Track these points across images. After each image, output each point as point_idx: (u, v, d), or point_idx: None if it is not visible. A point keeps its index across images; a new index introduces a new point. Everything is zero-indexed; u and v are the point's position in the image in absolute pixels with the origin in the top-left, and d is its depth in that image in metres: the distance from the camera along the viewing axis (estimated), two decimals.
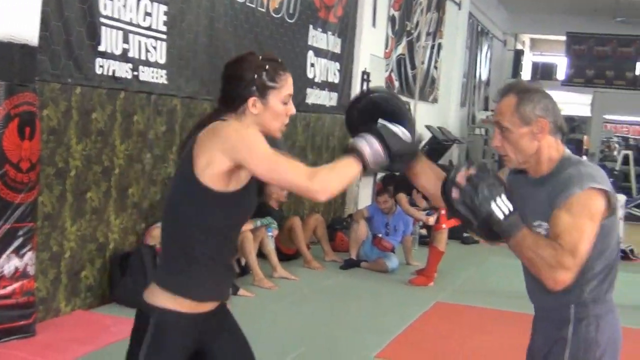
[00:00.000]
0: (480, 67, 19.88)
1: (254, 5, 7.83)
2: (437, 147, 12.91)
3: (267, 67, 2.45)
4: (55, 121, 5.39)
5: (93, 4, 5.53)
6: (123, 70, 5.94)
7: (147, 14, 6.16)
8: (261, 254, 7.59)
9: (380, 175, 11.22)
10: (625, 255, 10.65)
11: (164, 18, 6.39)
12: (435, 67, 15.02)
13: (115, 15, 5.78)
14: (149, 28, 6.20)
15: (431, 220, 8.33)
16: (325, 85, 9.77)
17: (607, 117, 25.52)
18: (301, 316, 6.35)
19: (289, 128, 8.84)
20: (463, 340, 6.14)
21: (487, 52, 20.58)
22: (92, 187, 5.86)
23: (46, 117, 5.28)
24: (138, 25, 6.06)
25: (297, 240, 8.29)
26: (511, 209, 2.37)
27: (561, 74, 24.26)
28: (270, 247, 7.62)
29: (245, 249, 7.20)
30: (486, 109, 20.89)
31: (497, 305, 7.37)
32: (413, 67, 13.40)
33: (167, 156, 6.78)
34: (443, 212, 7.87)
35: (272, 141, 2.42)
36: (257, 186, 2.53)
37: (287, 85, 2.49)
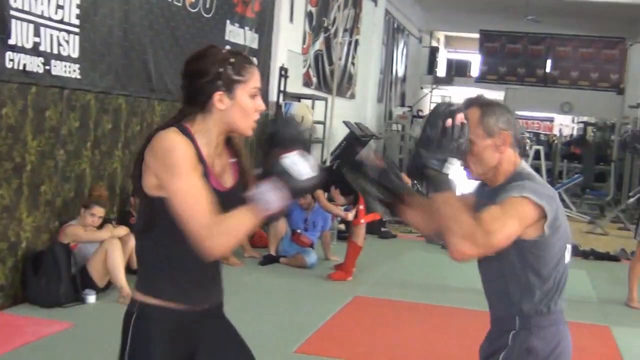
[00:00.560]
0: (396, 64, 20.11)
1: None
2: (355, 142, 12.99)
3: (232, 60, 2.35)
4: None
5: None
6: (34, 65, 5.77)
7: (59, 6, 6.00)
8: None
9: None
10: None
11: (77, 11, 6.24)
12: (353, 64, 15.12)
13: (26, 8, 5.61)
14: (61, 21, 6.05)
15: (350, 215, 8.39)
16: None
17: (519, 113, 26.18)
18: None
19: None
20: (382, 333, 6.20)
21: (403, 49, 20.83)
22: (3, 184, 5.69)
23: None
24: (50, 19, 5.90)
25: None
26: (450, 173, 2.37)
27: (475, 71, 24.74)
28: None
29: None
30: (402, 105, 21.15)
31: (415, 298, 7.48)
32: (330, 63, 13.46)
33: (81, 152, 6.64)
34: (361, 207, 7.93)
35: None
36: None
37: (254, 78, 2.37)
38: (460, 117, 2.37)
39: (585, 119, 25.41)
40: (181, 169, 2.21)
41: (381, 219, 10.78)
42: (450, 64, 26.92)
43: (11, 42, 5.51)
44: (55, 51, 6.01)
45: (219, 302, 2.56)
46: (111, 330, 5.64)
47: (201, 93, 2.33)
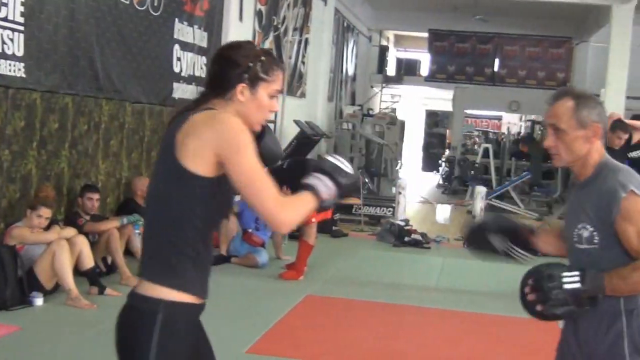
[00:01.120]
0: (346, 63, 20.14)
1: None
2: (306, 141, 12.98)
3: (263, 58, 2.45)
4: None
5: None
6: None
7: (3, 4, 5.89)
8: (129, 252, 7.42)
9: None
10: None
11: (21, 9, 6.12)
12: (303, 62, 15.10)
13: None
14: (5, 19, 5.93)
15: None
16: (192, 80, 9.63)
17: (468, 111, 26.44)
18: None
19: (155, 123, 8.65)
20: (333, 331, 6.20)
21: (353, 48, 20.87)
22: None
23: None
24: None
25: None
26: (578, 273, 2.60)
27: (424, 69, 24.91)
28: (138, 245, 7.45)
29: (111, 247, 7.03)
30: (353, 103, 21.20)
31: (367, 296, 7.49)
32: (280, 61, 13.42)
33: (27, 152, 6.52)
34: None
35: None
36: None
37: (278, 81, 2.48)
38: (528, 288, 2.67)
39: (533, 117, 25.75)
40: (248, 148, 2.30)
41: (332, 218, 10.80)
42: (399, 63, 27.04)
43: None
44: None
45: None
46: (59, 333, 5.57)
47: (227, 81, 2.43)
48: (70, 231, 6.59)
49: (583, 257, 2.68)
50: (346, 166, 2.47)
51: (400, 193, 12.21)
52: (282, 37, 13.40)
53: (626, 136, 7.81)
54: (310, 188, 2.39)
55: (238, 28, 10.99)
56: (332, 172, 2.43)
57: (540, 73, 22.52)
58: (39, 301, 6.18)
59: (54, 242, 6.29)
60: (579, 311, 2.60)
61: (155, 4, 8.45)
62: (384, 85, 24.66)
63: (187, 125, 2.34)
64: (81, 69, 7.15)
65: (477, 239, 2.98)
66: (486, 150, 20.10)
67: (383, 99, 25.78)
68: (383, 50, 25.23)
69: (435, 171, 26.31)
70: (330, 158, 2.47)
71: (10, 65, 6.05)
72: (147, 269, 2.42)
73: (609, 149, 8.87)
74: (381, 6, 22.14)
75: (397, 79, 24.95)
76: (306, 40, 15.15)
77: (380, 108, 25.03)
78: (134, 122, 8.26)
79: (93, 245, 6.91)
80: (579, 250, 2.69)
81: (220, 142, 2.30)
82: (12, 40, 6.03)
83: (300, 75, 15.03)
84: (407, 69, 25.41)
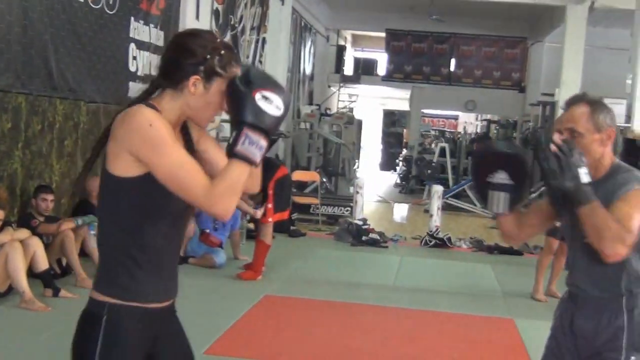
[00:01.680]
0: (304, 62, 20.13)
1: None
2: None
3: (222, 52, 2.29)
4: None
5: None
6: None
7: None
8: (84, 254, 7.34)
9: None
10: (443, 243, 11.13)
11: None
12: (260, 62, 15.06)
13: None
14: None
15: (259, 213, 8.35)
16: (148, 79, 9.47)
17: (425, 111, 26.62)
18: None
19: (107, 123, 8.53)
20: (292, 332, 6.20)
21: (310, 48, 20.87)
22: None
23: None
24: None
25: None
26: (589, 180, 2.64)
27: (382, 69, 25.00)
28: (93, 246, 7.36)
29: (66, 249, 6.94)
30: (311, 103, 21.20)
31: (324, 296, 7.50)
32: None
33: None
34: (270, 205, 7.91)
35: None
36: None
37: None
38: (557, 137, 2.68)
39: (488, 116, 26.02)
40: (167, 142, 2.17)
41: (290, 217, 10.79)
42: (357, 62, 27.10)
43: None
44: None
45: (174, 299, 2.50)
46: (13, 337, 5.48)
47: (180, 70, 2.28)
48: (24, 233, 6.49)
49: (587, 252, 2.74)
50: (275, 99, 2.19)
51: (358, 192, 12.25)
52: (239, 37, 13.35)
53: None
54: (237, 156, 2.18)
55: (195, 27, 10.90)
56: (256, 119, 2.17)
57: (496, 73, 22.74)
58: None
59: (7, 243, 6.19)
60: (558, 183, 2.65)
61: (111, 2, 8.35)
62: (341, 84, 24.71)
63: (115, 123, 2.24)
64: (35, 68, 7.05)
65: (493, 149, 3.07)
66: (443, 150, 20.26)
67: (341, 98, 25.84)
68: (340, 50, 25.27)
69: (392, 170, 26.44)
70: (254, 98, 2.18)
71: None
72: (96, 274, 2.39)
73: None
74: (338, 6, 22.17)
75: (355, 79, 25.01)
76: (263, 40, 15.11)
77: (337, 107, 25.08)
78: (89, 121, 8.16)
79: (47, 246, 6.82)
80: (585, 245, 2.73)
81: (133, 141, 2.19)
82: None
83: None
84: (365, 69, 25.48)
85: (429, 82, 23.04)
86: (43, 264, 6.48)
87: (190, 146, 2.40)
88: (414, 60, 23.20)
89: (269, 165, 7.77)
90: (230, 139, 2.21)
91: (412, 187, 20.94)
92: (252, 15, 14.07)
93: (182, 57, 2.28)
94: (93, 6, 7.98)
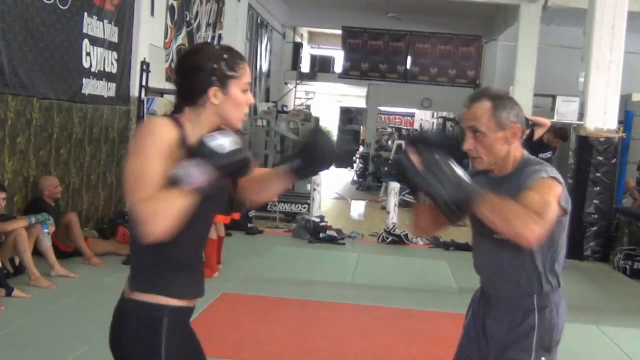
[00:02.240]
0: (260, 59, 20.08)
1: None
2: None
3: (225, 56, 2.38)
4: None
5: None
6: None
7: None
8: (37, 252, 7.22)
9: None
10: (400, 240, 11.19)
11: None
12: None
13: None
14: None
15: None
16: (102, 76, 9.43)
17: (382, 108, 26.71)
18: (82, 315, 6.09)
19: (64, 119, 8.43)
20: (249, 329, 6.17)
21: (266, 44, 20.82)
22: None
23: None
24: None
25: (75, 237, 7.97)
26: (469, 179, 2.42)
27: (338, 66, 25.04)
28: (47, 245, 7.26)
29: (19, 247, 6.82)
30: (267, 100, 21.15)
31: (282, 293, 7.49)
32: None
33: None
34: None
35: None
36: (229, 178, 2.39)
37: (246, 74, 2.42)
38: (410, 150, 2.46)
39: (444, 114, 26.20)
40: (146, 151, 2.21)
41: (248, 214, 10.75)
42: (314, 59, 27.14)
43: None
44: None
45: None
46: None
47: (196, 88, 2.35)
48: None
49: (494, 248, 2.66)
50: (224, 141, 2.23)
51: (315, 189, 12.24)
52: (195, 33, 13.27)
53: (527, 131, 8.02)
54: (176, 182, 2.18)
55: (150, 23, 10.82)
56: (203, 153, 2.21)
57: (451, 71, 22.94)
58: None
59: None
60: (445, 195, 2.42)
61: None
62: (298, 81, 24.71)
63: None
64: None
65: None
66: (399, 147, 20.34)
67: (297, 95, 25.84)
68: (297, 47, 25.27)
69: (349, 167, 26.52)
70: (206, 139, 2.23)
71: None
72: (136, 279, 2.41)
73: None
74: (295, 3, 22.17)
75: (311, 76, 25.03)
76: (219, 36, 15.04)
77: (294, 105, 25.08)
78: (42, 118, 8.04)
79: None
80: (493, 241, 2.61)
81: (131, 144, 2.29)
82: None
83: None
84: (321, 66, 25.52)
85: (385, 80, 23.16)
86: None
87: None
88: (370, 58, 23.29)
89: None
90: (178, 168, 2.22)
91: (368, 184, 21.02)
92: (208, 11, 13.99)
93: (192, 75, 2.36)
94: (45, 1, 7.86)
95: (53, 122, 8.29)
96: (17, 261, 7.09)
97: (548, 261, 2.65)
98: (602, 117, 11.02)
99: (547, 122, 9.28)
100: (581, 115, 11.35)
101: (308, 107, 25.66)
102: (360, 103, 26.81)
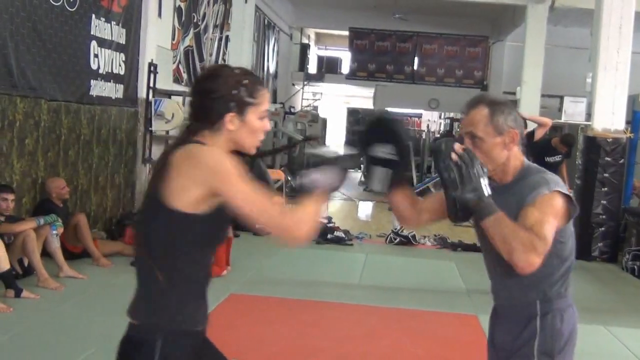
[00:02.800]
0: (267, 60, 20.10)
1: None
2: None
3: (245, 81, 2.34)
4: None
5: None
6: None
7: None
8: (46, 253, 7.25)
9: None
10: (408, 241, 11.18)
11: None
12: (224, 60, 15.00)
13: None
14: None
15: None
16: (110, 77, 9.46)
17: (389, 109, 26.69)
18: (90, 316, 6.11)
19: (72, 121, 8.44)
20: (257, 329, 6.18)
21: (274, 46, 20.84)
22: None
23: None
24: None
25: (83, 238, 7.99)
26: (490, 192, 2.49)
27: (345, 68, 25.04)
28: (55, 246, 7.29)
29: (28, 249, 6.84)
30: (274, 101, 21.17)
31: (290, 294, 7.49)
32: (201, 59, 13.31)
33: None
34: None
35: (252, 164, 2.43)
36: None
37: (265, 101, 2.39)
38: (458, 146, 2.50)
39: (451, 114, 26.17)
40: (236, 174, 2.22)
41: None
42: (321, 60, 27.14)
43: None
44: None
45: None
46: None
47: (212, 112, 2.32)
48: None
49: (503, 261, 2.61)
50: (326, 149, 2.45)
51: None
52: (202, 34, 13.29)
53: (525, 131, 8.01)
54: (309, 189, 2.35)
55: (157, 25, 10.84)
56: (319, 172, 2.38)
57: (458, 71, 22.92)
58: None
59: None
60: (458, 194, 2.50)
61: None
62: (305, 83, 24.72)
63: (171, 165, 2.26)
64: None
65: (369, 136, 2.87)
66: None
67: (305, 96, 25.84)
68: (304, 48, 25.29)
69: (357, 168, 26.49)
70: (316, 151, 2.44)
71: None
72: (142, 302, 2.40)
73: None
74: (302, 4, 22.17)
75: (319, 77, 25.04)
76: (227, 38, 15.06)
77: (301, 106, 25.08)
78: (50, 120, 8.07)
79: (8, 246, 6.72)
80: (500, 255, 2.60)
81: (206, 176, 2.22)
82: None
83: None
84: (328, 67, 25.52)
85: (393, 81, 23.15)
86: (4, 264, 6.39)
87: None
88: (377, 59, 23.29)
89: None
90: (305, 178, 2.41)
91: None
92: (215, 12, 14.02)
93: (211, 101, 2.32)
94: (53, 3, 7.89)
95: (61, 123, 8.32)
96: (25, 262, 7.11)
97: (553, 267, 2.63)
98: (609, 118, 11.00)
99: (548, 121, 9.27)
100: (589, 115, 11.33)
101: (315, 108, 25.67)
102: (368, 104, 26.79)
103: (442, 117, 28.71)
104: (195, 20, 12.80)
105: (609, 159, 10.92)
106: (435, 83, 23.01)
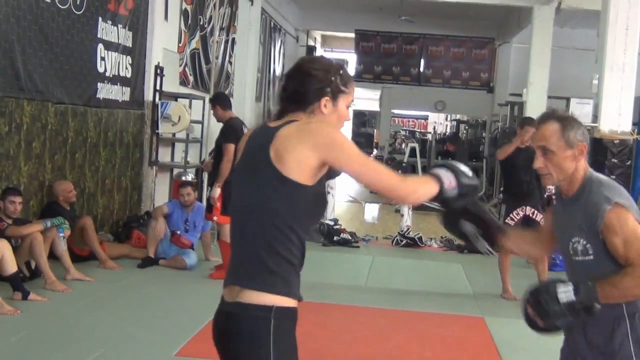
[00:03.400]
0: (274, 63, 20.11)
1: None
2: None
3: (341, 72, 2.59)
4: None
5: None
6: None
7: None
8: (53, 256, 7.27)
9: (177, 171, 11.07)
10: (414, 243, 11.18)
11: None
12: (230, 62, 15.01)
13: None
14: None
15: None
16: (117, 80, 9.48)
17: (395, 111, 26.71)
18: (98, 318, 6.13)
19: (79, 124, 8.46)
20: None
21: (280, 48, 20.85)
22: None
23: None
24: None
25: (90, 241, 8.01)
26: (573, 286, 2.68)
27: (352, 70, 25.04)
28: (63, 248, 7.31)
29: (35, 251, 6.86)
30: None
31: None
32: (207, 61, 13.33)
33: None
34: (218, 204, 7.86)
35: None
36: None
37: (353, 92, 2.64)
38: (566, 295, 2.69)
39: (458, 116, 26.17)
40: (349, 143, 2.47)
41: None
42: None
43: None
44: None
45: None
46: None
47: (310, 94, 2.53)
48: None
49: (580, 269, 2.82)
50: (467, 170, 2.63)
51: (329, 192, 12.25)
52: (208, 37, 13.31)
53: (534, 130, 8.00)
54: (432, 175, 2.56)
55: (164, 27, 10.86)
56: (454, 170, 2.59)
57: (465, 73, 22.87)
58: None
59: None
60: (577, 321, 2.71)
61: (78, 2, 8.28)
62: None
63: (278, 140, 2.42)
64: (1, 69, 6.96)
65: (451, 221, 3.09)
66: (413, 150, 20.33)
67: None
68: (310, 50, 25.27)
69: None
70: (452, 162, 2.64)
71: None
72: (251, 278, 2.47)
73: (519, 149, 9.05)
74: (308, 6, 22.18)
75: None
76: (233, 40, 15.07)
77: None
78: (57, 123, 8.09)
79: (16, 249, 6.74)
80: (575, 262, 2.83)
81: (322, 147, 2.40)
82: None
83: (228, 75, 14.95)
84: None
85: (399, 83, 23.12)
86: (11, 267, 6.41)
87: None
88: (383, 61, 23.26)
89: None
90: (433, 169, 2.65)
91: None
92: (221, 15, 14.03)
93: (310, 83, 2.54)
94: (60, 6, 7.91)
95: (68, 126, 8.34)
96: (33, 265, 7.13)
97: None
98: (616, 119, 10.98)
99: None
100: (595, 117, 11.30)
101: None
102: (374, 106, 26.81)
103: (449, 119, 28.72)
104: (201, 23, 12.81)
105: (615, 160, 10.89)
106: (442, 85, 22.97)
